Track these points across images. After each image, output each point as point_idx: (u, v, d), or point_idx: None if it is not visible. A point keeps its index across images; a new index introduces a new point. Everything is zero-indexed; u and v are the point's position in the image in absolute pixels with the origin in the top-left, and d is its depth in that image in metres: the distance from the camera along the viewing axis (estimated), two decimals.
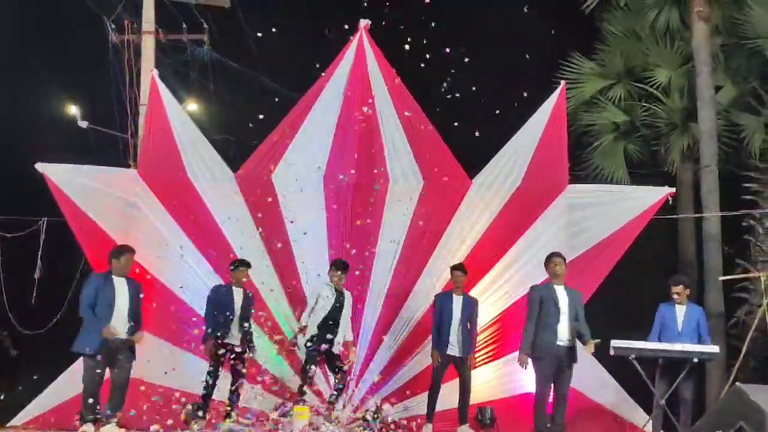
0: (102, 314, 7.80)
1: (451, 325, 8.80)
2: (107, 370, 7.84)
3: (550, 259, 8.14)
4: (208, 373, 8.47)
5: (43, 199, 9.56)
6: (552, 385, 7.86)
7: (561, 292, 7.98)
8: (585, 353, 7.99)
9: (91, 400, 7.71)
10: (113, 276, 8.00)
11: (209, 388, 8.45)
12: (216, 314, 8.53)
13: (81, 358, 7.97)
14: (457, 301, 8.92)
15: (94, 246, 9.18)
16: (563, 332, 7.85)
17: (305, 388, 8.74)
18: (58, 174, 9.32)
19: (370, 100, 9.46)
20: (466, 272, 9.03)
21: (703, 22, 11.49)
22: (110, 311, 7.83)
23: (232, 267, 8.84)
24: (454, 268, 9.05)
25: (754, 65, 12.05)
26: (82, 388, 7.81)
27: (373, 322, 9.54)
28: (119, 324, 7.85)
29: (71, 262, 9.97)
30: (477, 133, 9.63)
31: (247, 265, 8.87)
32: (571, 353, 7.88)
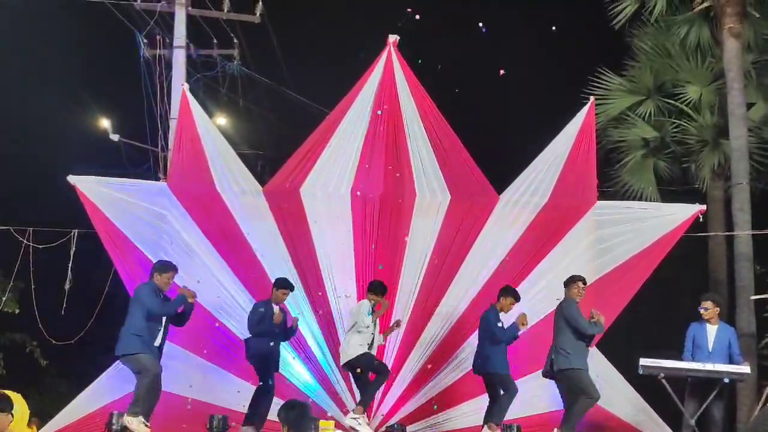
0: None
1: None
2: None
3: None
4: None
5: (74, 211, 9.68)
6: None
7: None
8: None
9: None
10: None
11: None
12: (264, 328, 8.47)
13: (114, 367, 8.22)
14: None
15: (124, 258, 9.28)
16: None
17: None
18: (89, 186, 9.45)
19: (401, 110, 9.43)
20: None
21: (734, 39, 11.37)
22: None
23: (275, 287, 8.68)
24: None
25: None
26: (152, 388, 7.73)
27: (398, 338, 9.51)
28: (159, 336, 7.97)
29: (101, 274, 10.06)
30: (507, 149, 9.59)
31: (292, 288, 8.80)
32: None
